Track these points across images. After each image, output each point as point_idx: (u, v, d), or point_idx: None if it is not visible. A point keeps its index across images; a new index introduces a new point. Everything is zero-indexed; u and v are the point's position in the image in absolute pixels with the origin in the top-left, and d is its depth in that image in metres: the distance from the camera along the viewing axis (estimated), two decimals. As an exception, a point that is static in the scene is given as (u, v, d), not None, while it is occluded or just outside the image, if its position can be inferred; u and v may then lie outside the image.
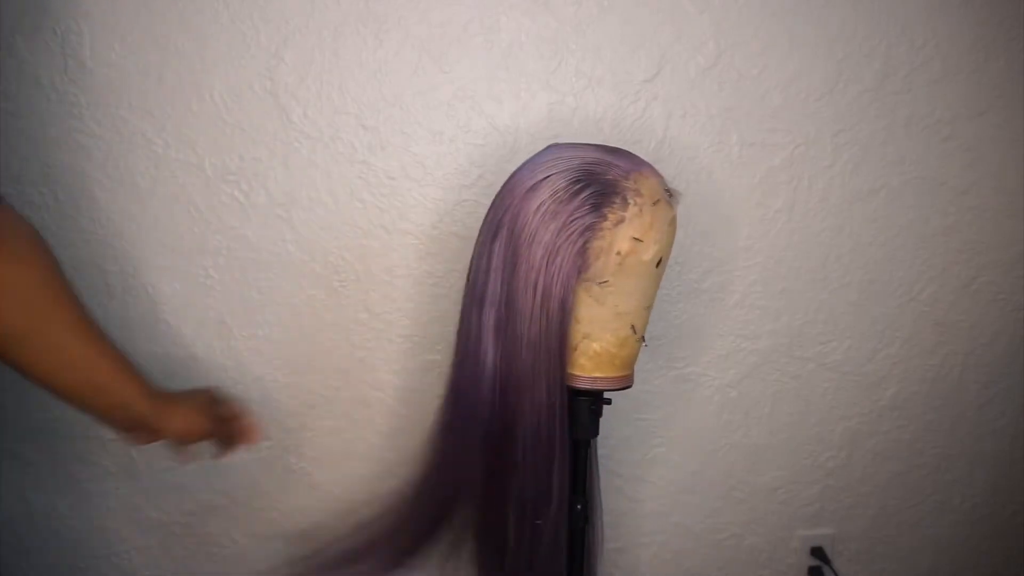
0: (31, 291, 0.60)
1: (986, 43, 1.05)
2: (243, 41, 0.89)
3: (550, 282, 0.72)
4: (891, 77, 1.04)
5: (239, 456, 0.98)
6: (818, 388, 1.13)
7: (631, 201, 0.72)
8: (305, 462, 1.01)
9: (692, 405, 1.10)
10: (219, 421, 0.80)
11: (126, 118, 0.89)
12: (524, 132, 0.96)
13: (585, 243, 0.72)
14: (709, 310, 1.07)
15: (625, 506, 1.11)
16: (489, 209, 0.79)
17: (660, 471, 1.11)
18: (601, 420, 0.84)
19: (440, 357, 1.00)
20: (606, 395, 0.82)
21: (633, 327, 0.77)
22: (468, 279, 0.81)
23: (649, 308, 0.79)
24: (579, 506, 0.85)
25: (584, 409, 0.82)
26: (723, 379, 1.10)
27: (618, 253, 0.72)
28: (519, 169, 0.78)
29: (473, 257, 0.80)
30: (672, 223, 0.76)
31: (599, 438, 0.87)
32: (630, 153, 0.77)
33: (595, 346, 0.77)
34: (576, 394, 0.80)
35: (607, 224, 0.71)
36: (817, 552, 1.17)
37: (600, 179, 0.72)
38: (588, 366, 0.78)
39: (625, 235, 0.72)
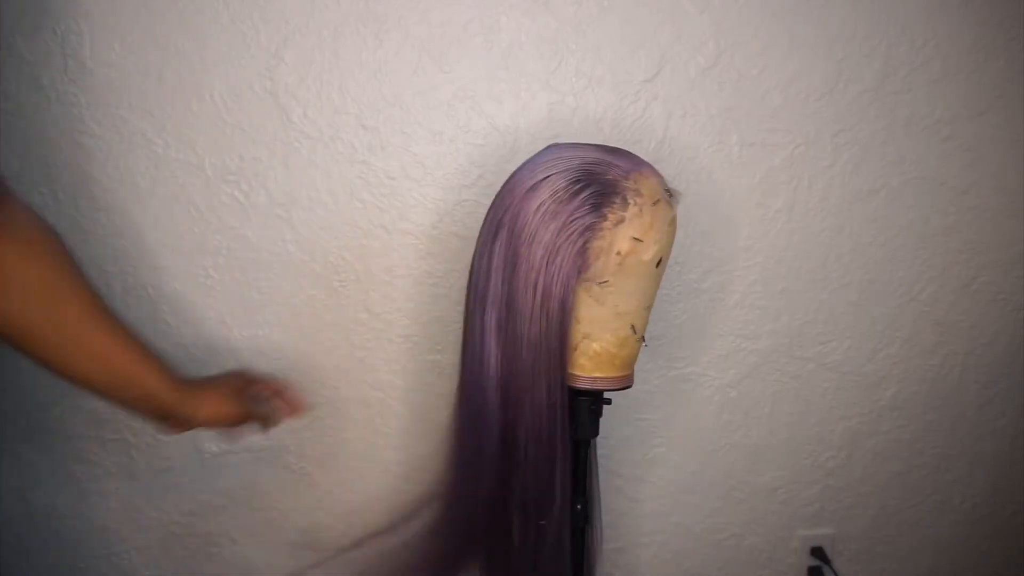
0: (44, 285, 0.60)
1: (986, 43, 1.05)
2: (243, 41, 0.89)
3: (550, 282, 0.72)
4: (891, 77, 1.04)
5: (242, 455, 0.99)
6: (818, 388, 1.13)
7: (631, 201, 0.72)
8: (305, 462, 1.01)
9: (692, 405, 1.10)
10: (254, 402, 0.80)
11: (126, 118, 0.89)
12: (524, 132, 0.96)
13: (585, 243, 0.72)
14: (709, 310, 1.07)
15: (625, 506, 1.11)
16: (489, 209, 0.79)
17: (660, 471, 1.11)
18: (601, 420, 0.84)
19: (440, 357, 1.00)
20: (606, 395, 0.82)
21: (633, 327, 0.77)
22: (470, 280, 0.81)
23: (649, 308, 0.79)
24: (579, 506, 0.85)
25: (584, 409, 0.82)
26: (723, 379, 1.10)
27: (618, 253, 0.72)
28: (519, 169, 0.78)
29: (474, 258, 0.80)
30: (672, 223, 0.76)
31: (599, 438, 0.87)
32: (630, 153, 0.77)
33: (595, 346, 0.77)
34: (576, 394, 0.80)
35: (607, 224, 0.71)
36: (817, 552, 1.17)
37: (600, 179, 0.72)
38: (588, 366, 0.78)
39: (625, 235, 0.72)
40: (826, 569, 1.17)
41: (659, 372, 1.08)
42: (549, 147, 0.79)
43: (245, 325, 0.95)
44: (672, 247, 0.78)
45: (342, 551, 0.96)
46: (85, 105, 0.87)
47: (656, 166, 0.78)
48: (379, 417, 1.01)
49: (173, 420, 0.72)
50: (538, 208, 0.72)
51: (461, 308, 0.94)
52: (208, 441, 0.98)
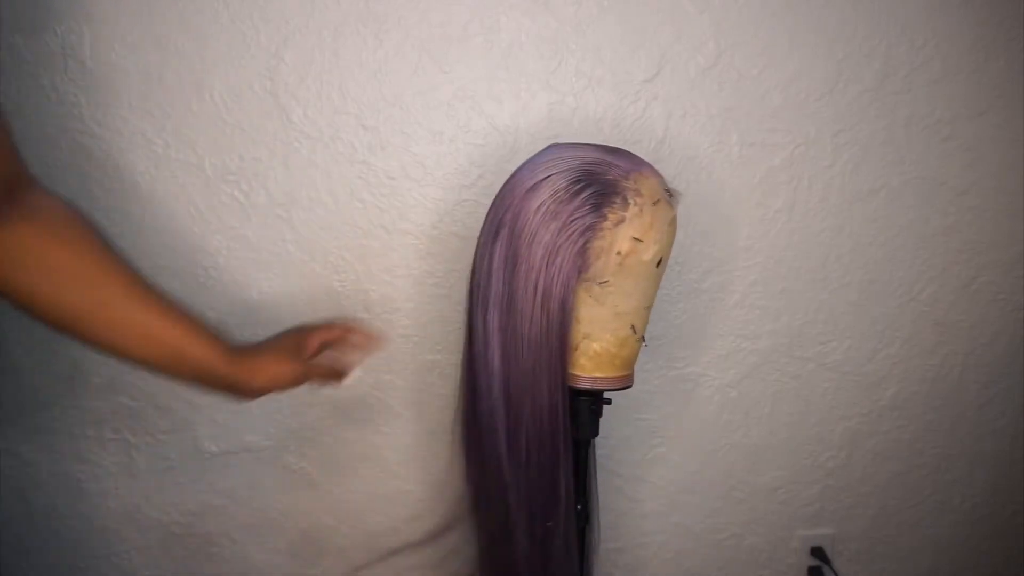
0: (80, 268, 0.60)
1: (986, 43, 1.05)
2: (243, 41, 0.89)
3: (550, 282, 0.72)
4: (891, 77, 1.04)
5: (242, 455, 0.99)
6: (818, 388, 1.13)
7: (631, 201, 0.72)
8: (305, 462, 1.01)
9: (692, 405, 1.10)
10: (317, 354, 0.78)
11: (126, 118, 0.89)
12: (524, 132, 0.96)
13: (585, 243, 0.72)
14: (709, 310, 1.07)
15: (625, 506, 1.11)
16: (490, 209, 0.79)
17: (660, 471, 1.11)
18: (601, 420, 0.84)
19: (440, 357, 1.00)
20: (606, 395, 0.82)
21: (633, 327, 0.77)
22: (471, 280, 0.81)
23: (649, 308, 0.79)
24: (579, 506, 0.85)
25: (584, 409, 0.82)
26: (723, 379, 1.10)
27: (618, 253, 0.72)
28: (519, 169, 0.78)
29: (475, 258, 0.80)
30: (672, 223, 0.76)
31: (599, 438, 0.87)
32: (630, 153, 0.77)
33: (595, 346, 0.77)
34: (577, 394, 0.80)
35: (607, 224, 0.71)
36: (817, 552, 1.18)
37: (600, 179, 0.72)
38: (588, 366, 0.78)
39: (625, 235, 0.72)
40: (826, 569, 1.17)
41: (659, 372, 1.08)
42: (549, 147, 0.79)
43: (245, 325, 0.95)
44: (672, 247, 0.78)
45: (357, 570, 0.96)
46: (85, 105, 0.87)
47: (656, 166, 0.78)
48: (379, 417, 1.01)
49: (234, 390, 0.72)
50: (538, 208, 0.72)
51: (461, 308, 0.95)
52: (208, 441, 0.98)
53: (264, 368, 0.73)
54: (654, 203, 0.73)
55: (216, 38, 0.88)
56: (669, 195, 0.76)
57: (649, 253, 0.73)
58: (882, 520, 1.20)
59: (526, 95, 0.96)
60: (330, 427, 1.00)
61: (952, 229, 1.11)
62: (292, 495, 1.01)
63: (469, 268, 0.82)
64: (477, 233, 0.80)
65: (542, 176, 0.73)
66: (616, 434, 1.08)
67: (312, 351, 0.78)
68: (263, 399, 0.97)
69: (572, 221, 0.71)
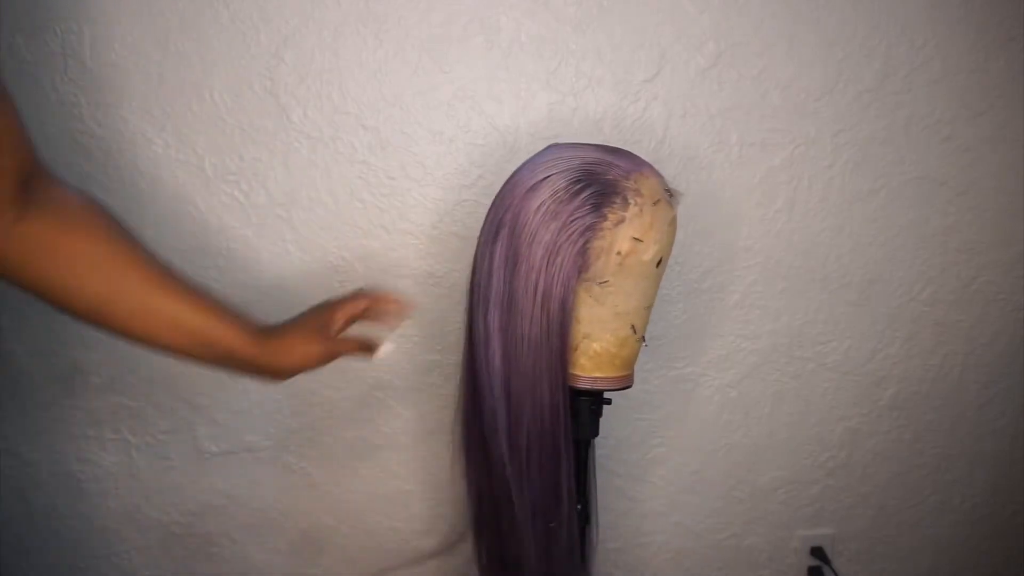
0: (100, 259, 0.60)
1: (986, 43, 1.05)
2: (243, 41, 0.89)
3: (550, 282, 0.72)
4: (891, 77, 1.04)
5: (242, 455, 0.99)
6: (818, 388, 1.13)
7: (631, 201, 0.72)
8: (305, 462, 1.01)
9: (692, 405, 1.10)
10: (345, 329, 0.75)
11: (126, 118, 0.89)
12: (524, 132, 0.96)
13: (585, 243, 0.72)
14: (709, 310, 1.07)
15: (625, 506, 1.11)
16: (490, 209, 0.79)
17: (660, 471, 1.11)
18: (601, 420, 0.84)
19: (440, 357, 1.00)
20: (606, 395, 0.82)
21: (633, 327, 0.77)
22: (472, 280, 0.81)
23: (649, 308, 0.79)
24: (579, 506, 0.85)
25: (585, 409, 0.82)
26: (723, 379, 1.10)
27: (618, 253, 0.72)
28: (519, 169, 0.78)
29: (475, 258, 0.80)
30: (672, 223, 0.76)
31: (599, 438, 0.87)
32: (630, 153, 0.77)
33: (595, 346, 0.77)
34: (577, 394, 0.80)
35: (607, 224, 0.71)
36: (817, 552, 1.18)
37: (600, 179, 0.72)
38: (588, 366, 0.78)
39: (625, 235, 0.72)
40: (826, 569, 1.17)
41: (659, 372, 1.08)
42: (549, 147, 0.79)
43: (245, 325, 0.95)
44: (672, 247, 0.78)
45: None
46: (85, 105, 0.87)
47: (656, 166, 0.78)
48: (379, 417, 1.01)
49: (262, 373, 0.71)
50: (538, 208, 0.72)
51: (461, 308, 0.95)
52: (208, 441, 0.98)
53: (291, 349, 0.72)
54: (654, 203, 0.73)
55: (216, 38, 0.88)
56: (669, 195, 0.76)
57: (649, 253, 0.73)
58: (882, 520, 1.20)
59: (526, 95, 0.96)
60: (330, 427, 1.00)
61: (952, 229, 1.11)
62: (292, 495, 1.01)
63: (469, 268, 0.82)
64: (477, 233, 0.80)
65: (542, 176, 0.73)
66: (616, 434, 1.08)
67: (339, 327, 0.75)
68: (263, 399, 0.98)
69: (572, 221, 0.71)
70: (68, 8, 0.85)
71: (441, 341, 1.00)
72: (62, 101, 0.87)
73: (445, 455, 1.01)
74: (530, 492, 0.79)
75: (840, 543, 1.19)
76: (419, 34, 0.92)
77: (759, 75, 1.00)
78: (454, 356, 0.98)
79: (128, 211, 0.90)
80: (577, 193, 0.71)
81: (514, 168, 0.80)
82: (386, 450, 1.02)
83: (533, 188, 0.73)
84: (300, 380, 0.97)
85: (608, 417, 0.87)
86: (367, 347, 0.78)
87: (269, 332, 0.71)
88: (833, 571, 1.16)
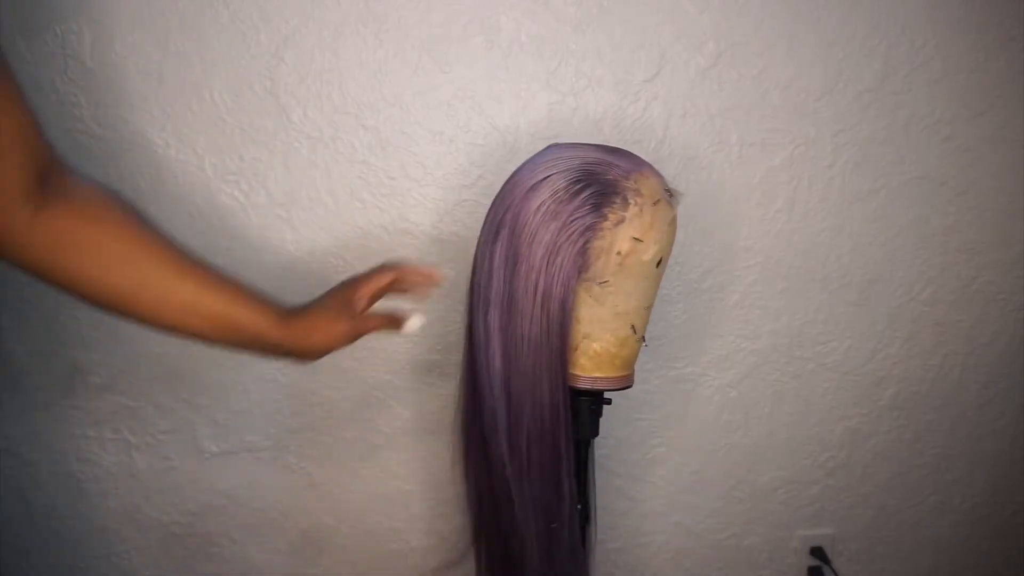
0: (121, 249, 0.60)
1: (986, 43, 1.05)
2: (243, 41, 0.89)
3: (551, 282, 0.72)
4: (891, 77, 1.04)
5: (242, 455, 0.99)
6: (818, 388, 1.13)
7: (631, 201, 0.72)
8: (305, 462, 1.01)
9: (692, 405, 1.10)
10: (371, 305, 0.74)
11: (126, 118, 0.89)
12: (524, 132, 0.96)
13: (585, 243, 0.72)
14: (709, 310, 1.07)
15: (625, 506, 1.11)
16: (490, 209, 0.79)
17: (660, 471, 1.11)
18: (601, 420, 0.84)
19: (440, 357, 1.00)
20: (606, 395, 0.82)
21: (633, 327, 0.77)
22: (472, 280, 0.81)
23: (649, 308, 0.79)
24: (579, 506, 0.85)
25: (585, 409, 0.82)
26: (723, 379, 1.10)
27: (618, 253, 0.72)
28: (519, 169, 0.78)
29: (475, 258, 0.80)
30: (672, 223, 0.76)
31: (599, 438, 0.87)
32: (630, 153, 0.77)
33: (595, 346, 0.77)
34: (577, 394, 0.80)
35: (607, 224, 0.71)
36: (817, 552, 1.17)
37: (600, 179, 0.72)
38: (588, 366, 0.78)
39: (625, 235, 0.72)
40: (826, 569, 1.17)
41: (659, 372, 1.08)
42: (549, 147, 0.79)
43: (245, 325, 0.95)
44: (672, 247, 0.78)
45: None
46: (85, 105, 0.87)
47: (656, 166, 0.78)
48: (379, 417, 1.01)
49: (290, 355, 0.70)
50: (538, 208, 0.72)
51: (461, 308, 0.94)
52: (208, 441, 0.98)
53: (316, 329, 0.70)
54: (654, 203, 0.73)
55: (216, 38, 0.88)
56: (669, 195, 0.76)
57: (649, 253, 0.73)
58: (882, 520, 1.20)
59: (526, 95, 0.96)
60: (330, 427, 1.00)
61: (952, 229, 1.11)
62: (292, 495, 1.01)
63: (469, 268, 0.82)
64: (477, 233, 0.80)
65: (542, 176, 0.73)
66: (616, 434, 1.08)
67: (364, 304, 0.73)
68: (263, 399, 0.98)
69: (572, 221, 0.71)
70: (68, 8, 0.85)
71: (441, 341, 1.00)
72: (62, 101, 0.87)
73: (445, 455, 1.00)
74: (530, 492, 0.79)
75: (840, 543, 1.19)
76: (419, 34, 0.92)
77: (759, 75, 1.00)
78: (454, 356, 0.98)
79: (128, 211, 0.90)
80: (577, 193, 0.71)
81: (514, 168, 0.80)
82: (386, 450, 1.02)
83: (533, 188, 0.73)
84: (300, 380, 0.98)
85: (608, 417, 0.87)
86: (395, 322, 0.75)
87: (295, 313, 0.70)
88: (833, 571, 1.16)
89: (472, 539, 0.90)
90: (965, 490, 1.22)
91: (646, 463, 1.11)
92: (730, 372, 1.10)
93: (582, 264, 0.72)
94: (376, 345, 0.99)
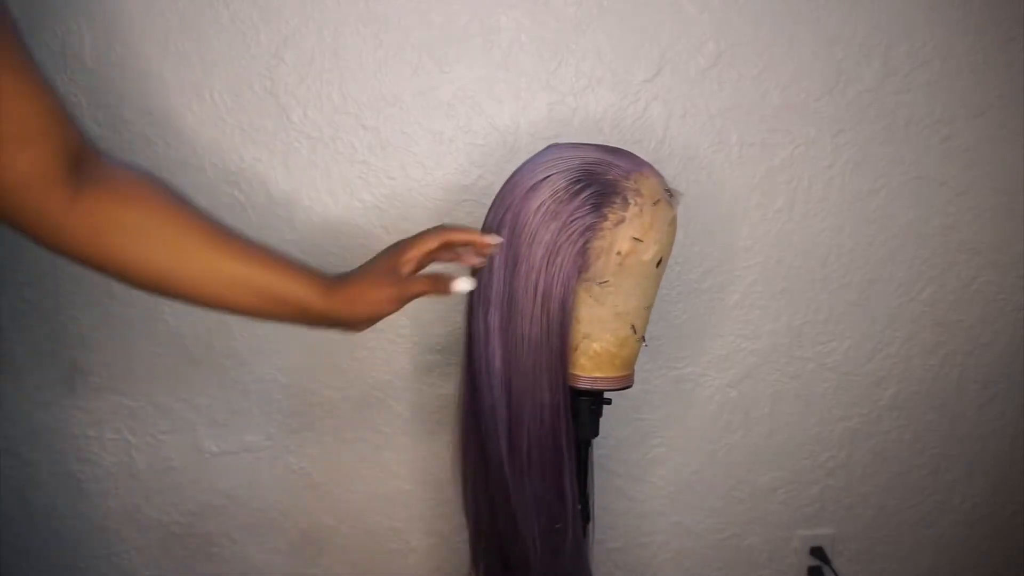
0: (158, 228, 0.60)
1: (986, 43, 1.05)
2: (243, 41, 0.89)
3: (551, 282, 0.72)
4: (891, 77, 1.04)
5: (242, 455, 0.99)
6: (818, 388, 1.13)
7: (631, 201, 0.72)
8: (305, 462, 1.01)
9: (692, 405, 1.10)
10: (418, 270, 0.72)
11: (126, 118, 0.89)
12: (524, 132, 0.96)
13: (585, 243, 0.72)
14: (709, 310, 1.07)
15: (625, 506, 1.11)
16: (490, 209, 0.79)
17: (660, 471, 1.11)
18: (601, 420, 0.84)
19: (440, 357, 1.00)
20: (606, 395, 0.82)
21: (633, 327, 0.77)
22: (472, 280, 0.80)
23: (649, 308, 0.79)
24: (579, 506, 0.85)
25: (585, 409, 0.82)
26: (723, 379, 1.10)
27: (618, 253, 0.72)
28: (519, 169, 0.78)
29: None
30: (672, 223, 0.76)
31: (599, 438, 0.87)
32: (630, 153, 0.77)
33: (595, 346, 0.77)
34: (577, 394, 0.80)
35: (607, 224, 0.71)
36: (817, 552, 1.17)
37: (600, 179, 0.72)
38: (588, 366, 0.77)
39: (625, 235, 0.72)
40: (826, 569, 1.17)
41: (659, 372, 1.08)
42: (549, 147, 0.79)
43: (245, 325, 0.95)
44: (672, 247, 0.78)
45: None
46: (85, 105, 0.87)
47: (656, 166, 0.78)
48: (379, 417, 1.01)
49: (337, 325, 0.69)
50: (538, 208, 0.72)
51: (461, 308, 0.94)
52: (208, 441, 0.98)
53: (361, 297, 0.69)
54: (654, 203, 0.73)
55: (216, 38, 0.88)
56: (669, 195, 0.75)
57: (649, 253, 0.73)
58: (882, 520, 1.20)
59: (526, 95, 0.96)
60: (330, 427, 1.00)
61: (952, 229, 1.11)
62: (292, 495, 1.01)
63: (469, 268, 0.82)
64: (477, 233, 0.80)
65: (542, 176, 0.73)
66: (616, 434, 1.08)
67: (410, 268, 0.71)
68: (263, 399, 0.98)
69: (572, 221, 0.71)
70: (68, 8, 0.85)
71: (441, 341, 1.00)
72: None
73: (445, 455, 1.01)
74: (531, 492, 0.79)
75: (840, 543, 1.19)
76: (419, 34, 0.92)
77: (759, 75, 1.00)
78: (454, 356, 0.98)
79: (128, 211, 0.90)
80: (577, 193, 0.71)
81: (514, 168, 0.80)
82: (386, 450, 1.02)
83: (533, 188, 0.73)
84: (300, 380, 0.98)
85: (608, 417, 0.87)
86: (442, 284, 0.72)
87: (339, 282, 0.69)
88: (833, 571, 1.16)
89: (471, 540, 0.90)
90: (965, 490, 1.22)
91: (646, 463, 1.11)
92: (730, 372, 1.10)
93: (582, 264, 0.72)
94: (376, 345, 0.99)
